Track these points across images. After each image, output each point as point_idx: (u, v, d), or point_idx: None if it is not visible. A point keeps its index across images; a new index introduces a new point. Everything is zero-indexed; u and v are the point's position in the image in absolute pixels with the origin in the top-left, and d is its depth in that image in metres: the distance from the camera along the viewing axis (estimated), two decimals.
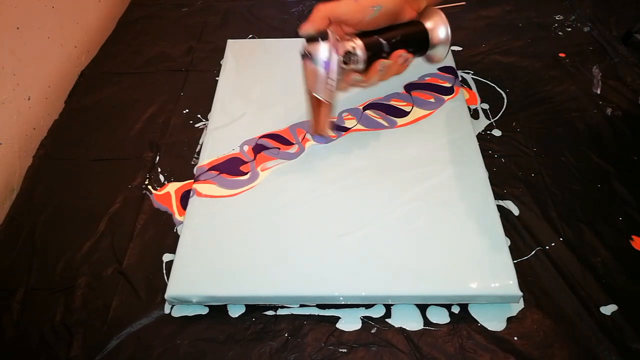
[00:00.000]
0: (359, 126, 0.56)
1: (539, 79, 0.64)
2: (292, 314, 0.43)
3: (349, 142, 0.54)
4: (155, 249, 0.48)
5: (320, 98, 0.45)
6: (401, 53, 0.46)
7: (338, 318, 0.43)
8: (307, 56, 0.44)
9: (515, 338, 0.41)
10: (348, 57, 0.44)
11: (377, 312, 0.43)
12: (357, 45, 0.45)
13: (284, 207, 0.48)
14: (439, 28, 0.48)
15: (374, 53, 0.46)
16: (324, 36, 0.43)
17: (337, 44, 0.44)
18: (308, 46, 0.44)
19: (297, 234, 0.46)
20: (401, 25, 0.47)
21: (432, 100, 0.58)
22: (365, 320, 0.43)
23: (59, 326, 0.43)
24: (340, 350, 0.41)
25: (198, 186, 0.51)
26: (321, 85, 0.44)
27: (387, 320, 0.43)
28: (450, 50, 0.51)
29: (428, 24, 0.48)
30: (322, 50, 0.43)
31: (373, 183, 0.50)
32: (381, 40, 0.46)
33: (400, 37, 0.47)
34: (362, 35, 0.46)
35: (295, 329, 0.42)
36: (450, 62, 0.63)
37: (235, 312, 0.44)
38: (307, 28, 0.44)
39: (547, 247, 0.46)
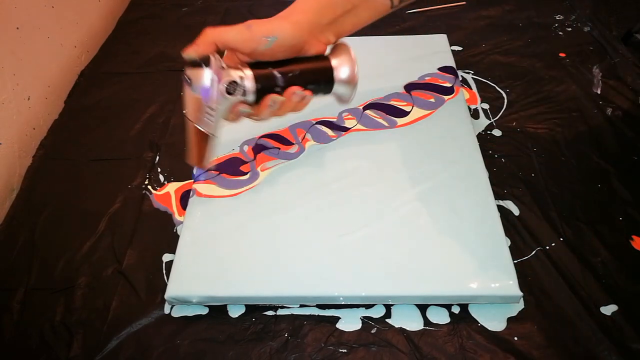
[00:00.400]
0: (359, 126, 0.56)
1: (539, 79, 0.64)
2: (292, 314, 0.43)
3: (349, 142, 0.54)
4: (155, 249, 0.48)
5: (200, 129, 0.41)
6: (295, 90, 0.42)
7: (338, 318, 0.43)
8: (187, 82, 0.40)
9: (515, 338, 0.41)
10: (233, 87, 0.40)
11: (377, 312, 0.43)
12: (246, 76, 0.41)
13: (284, 207, 0.48)
14: (342, 67, 0.44)
15: (266, 86, 0.42)
16: (206, 62, 0.39)
17: (220, 72, 0.40)
18: (189, 71, 0.40)
19: (297, 234, 0.46)
20: (304, 60, 0.43)
21: (432, 100, 0.58)
22: (365, 320, 0.43)
23: (59, 326, 0.43)
24: (340, 350, 0.41)
25: (198, 186, 0.51)
26: (200, 115, 0.40)
27: (387, 320, 0.42)
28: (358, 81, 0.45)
29: (334, 61, 0.44)
30: (202, 77, 0.39)
31: (373, 183, 0.50)
32: (275, 73, 0.42)
33: (299, 72, 0.43)
34: (256, 65, 0.42)
35: (295, 329, 0.42)
36: (450, 62, 0.63)
37: (235, 312, 0.44)
38: (190, 52, 0.40)
39: (547, 247, 0.46)
